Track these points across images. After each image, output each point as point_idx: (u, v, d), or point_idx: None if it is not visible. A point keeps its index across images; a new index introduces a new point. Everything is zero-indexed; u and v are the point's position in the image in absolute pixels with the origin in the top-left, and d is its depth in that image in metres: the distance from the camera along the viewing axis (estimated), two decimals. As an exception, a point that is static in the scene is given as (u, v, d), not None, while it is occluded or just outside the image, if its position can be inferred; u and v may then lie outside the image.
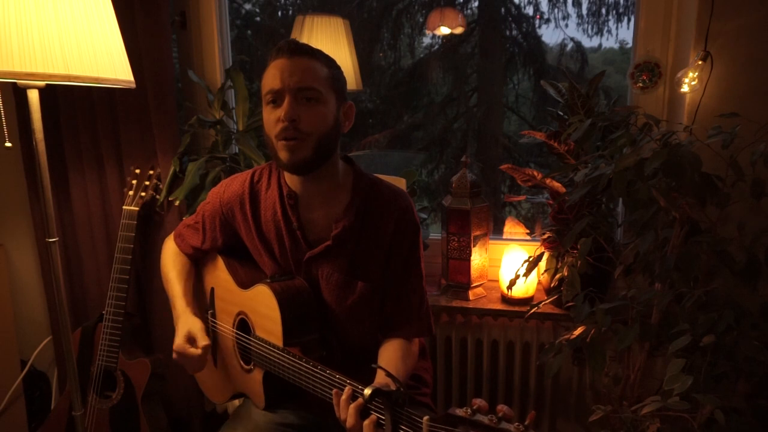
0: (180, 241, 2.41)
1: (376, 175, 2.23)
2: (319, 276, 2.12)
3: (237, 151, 3.15)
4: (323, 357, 2.07)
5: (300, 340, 2.05)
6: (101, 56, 2.11)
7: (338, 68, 2.06)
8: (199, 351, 2.10)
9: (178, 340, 2.13)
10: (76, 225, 3.32)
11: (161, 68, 2.99)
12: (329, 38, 3.07)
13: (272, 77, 1.94)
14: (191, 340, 2.13)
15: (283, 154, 1.95)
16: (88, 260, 3.37)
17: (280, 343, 2.02)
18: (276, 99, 1.94)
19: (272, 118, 1.94)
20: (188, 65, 3.35)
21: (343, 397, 1.75)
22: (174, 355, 2.14)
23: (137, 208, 3.04)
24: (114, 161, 3.19)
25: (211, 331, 2.35)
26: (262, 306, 2.08)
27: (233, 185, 2.24)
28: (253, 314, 2.15)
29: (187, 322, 2.18)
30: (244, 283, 2.19)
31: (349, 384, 1.76)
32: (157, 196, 3.11)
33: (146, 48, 2.96)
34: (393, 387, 1.68)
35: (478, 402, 1.47)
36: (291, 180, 2.11)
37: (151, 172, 3.11)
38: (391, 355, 2.07)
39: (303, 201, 2.12)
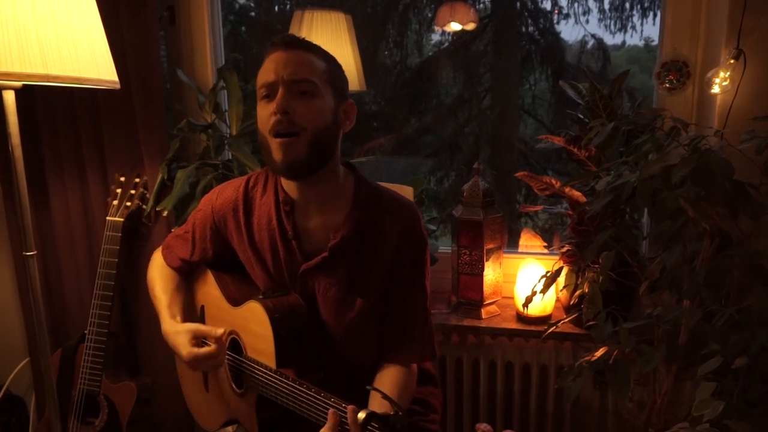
0: (168, 254, 2.41)
1: (380, 183, 2.23)
2: (316, 291, 2.13)
3: (230, 157, 3.15)
4: (320, 380, 2.06)
5: (294, 361, 2.04)
6: (83, 54, 2.11)
7: (338, 65, 2.08)
8: (213, 347, 2.09)
9: (185, 349, 2.11)
10: (56, 237, 3.32)
11: (148, 67, 2.99)
12: (330, 35, 3.07)
13: (266, 71, 1.97)
14: (198, 339, 2.13)
15: (276, 154, 1.96)
16: (69, 275, 3.36)
17: (272, 364, 2.01)
18: (270, 93, 1.96)
19: (265, 113, 1.97)
20: (177, 64, 3.34)
21: (333, 421, 1.75)
22: (189, 365, 2.12)
23: (122, 219, 3.03)
24: (97, 168, 3.19)
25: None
26: (254, 324, 2.08)
27: (226, 191, 2.25)
28: (245, 333, 2.15)
29: (180, 329, 2.17)
30: (236, 300, 2.19)
31: (346, 408, 1.76)
32: (144, 206, 3.10)
33: (132, 45, 2.96)
34: (391, 411, 1.68)
35: (482, 427, 1.48)
36: (288, 186, 2.12)
37: (137, 180, 3.10)
38: (387, 381, 2.07)
39: (300, 208, 2.12)
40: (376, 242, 2.10)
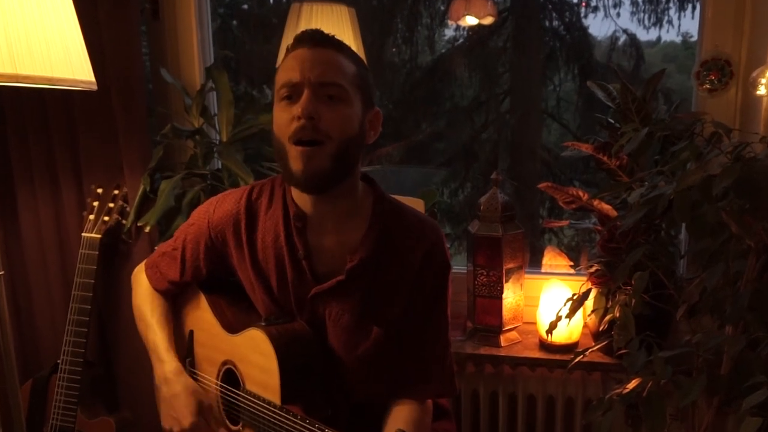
0: (153, 274, 2.37)
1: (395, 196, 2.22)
2: (326, 317, 2.10)
3: (220, 166, 3.16)
4: (328, 417, 2.04)
5: (301, 397, 2.02)
6: (56, 52, 2.11)
7: (366, 68, 2.06)
8: None
9: (189, 418, 2.10)
10: (26, 256, 3.32)
11: (128, 66, 2.99)
12: (331, 30, 2.97)
13: (289, 69, 1.93)
14: (206, 411, 2.13)
15: (295, 164, 1.91)
16: (40, 298, 3.35)
17: (277, 398, 2.00)
18: (292, 94, 1.92)
19: (286, 117, 1.91)
20: (161, 63, 3.34)
21: None
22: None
23: (99, 236, 3.02)
24: (71, 179, 3.19)
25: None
26: (255, 354, 2.06)
27: (226, 203, 2.20)
28: (243, 364, 2.13)
29: (189, 387, 2.16)
30: (233, 326, 2.17)
31: None
32: (124, 221, 3.09)
33: (110, 42, 2.96)
34: None
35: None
36: (300, 199, 2.08)
37: (116, 191, 3.09)
38: (401, 419, 2.06)
39: (313, 224, 2.09)
40: (396, 265, 2.08)
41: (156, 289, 2.37)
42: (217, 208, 2.21)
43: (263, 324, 2.06)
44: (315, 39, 1.95)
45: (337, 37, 2.02)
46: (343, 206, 2.06)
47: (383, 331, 2.09)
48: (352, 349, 2.09)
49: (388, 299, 2.09)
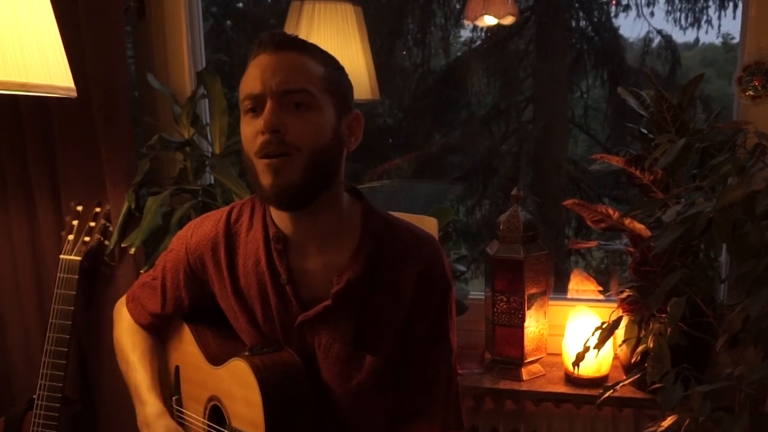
0: (134, 308, 2.38)
1: (394, 213, 2.22)
2: (316, 347, 2.10)
3: (212, 181, 3.16)
4: None
5: None
6: (30, 56, 2.12)
7: (339, 68, 2.06)
8: None
9: None
10: (-2, 280, 3.32)
11: (111, 71, 2.99)
12: (336, 31, 3.08)
13: (251, 78, 1.93)
14: None
15: (265, 179, 1.91)
16: (14, 327, 3.36)
17: None
18: (256, 106, 1.92)
19: (251, 131, 1.92)
20: (147, 67, 3.34)
21: None
22: None
23: (79, 258, 3.03)
24: (48, 195, 3.19)
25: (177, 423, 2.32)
26: (239, 387, 2.06)
27: (203, 226, 2.21)
28: (228, 399, 2.13)
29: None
30: (217, 358, 2.17)
31: None
32: (106, 242, 3.09)
33: (92, 44, 2.97)
34: None
35: None
36: (279, 218, 2.08)
37: (98, 209, 3.10)
38: None
39: (295, 246, 2.09)
40: (390, 286, 2.07)
41: (138, 323, 2.38)
42: (195, 232, 2.22)
43: (247, 354, 2.05)
44: (276, 42, 1.94)
45: (301, 37, 2.01)
46: (325, 223, 2.06)
47: (379, 360, 2.08)
48: (345, 381, 2.09)
49: (383, 325, 2.08)
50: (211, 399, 2.19)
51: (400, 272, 2.07)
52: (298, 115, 1.90)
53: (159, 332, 2.41)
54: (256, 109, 1.91)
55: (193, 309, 2.31)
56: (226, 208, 2.22)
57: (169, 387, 2.37)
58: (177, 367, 2.35)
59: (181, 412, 2.30)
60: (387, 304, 2.07)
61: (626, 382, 2.77)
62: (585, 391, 2.90)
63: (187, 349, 2.29)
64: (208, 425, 2.20)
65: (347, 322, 2.06)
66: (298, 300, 2.08)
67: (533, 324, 2.99)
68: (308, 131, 1.90)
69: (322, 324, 2.07)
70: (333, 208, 2.06)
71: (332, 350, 2.08)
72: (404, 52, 6.02)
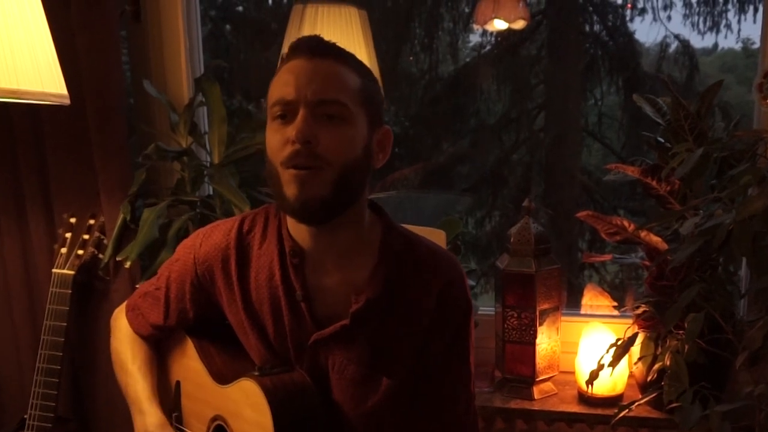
0: (134, 317, 2.35)
1: (408, 227, 2.20)
2: (329, 367, 2.07)
3: (211, 192, 3.16)
4: None
5: None
6: (22, 61, 2.12)
7: (374, 80, 2.03)
8: None
9: None
10: (-12, 295, 3.32)
11: (106, 77, 2.99)
12: (339, 35, 3.06)
13: (283, 84, 1.88)
14: None
15: (290, 190, 1.87)
16: (4, 344, 3.36)
17: None
18: (286, 113, 1.87)
19: (279, 139, 1.87)
20: (144, 73, 3.34)
21: None
22: None
23: (72, 272, 3.02)
24: (40, 207, 3.18)
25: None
26: (247, 409, 2.04)
27: (214, 236, 2.17)
28: (235, 420, 2.11)
29: None
30: (223, 376, 2.15)
31: None
32: (100, 256, 3.08)
33: (85, 50, 2.96)
34: None
35: None
36: (297, 231, 2.04)
37: (92, 221, 3.09)
38: None
39: (312, 261, 2.06)
40: (409, 307, 2.05)
41: (138, 334, 2.36)
42: (204, 242, 2.18)
43: (257, 374, 2.02)
44: (313, 48, 1.91)
45: (339, 44, 1.97)
46: (346, 239, 2.03)
47: (395, 383, 2.05)
48: (359, 404, 2.07)
49: (400, 347, 2.06)
50: (215, 418, 2.17)
51: (420, 293, 2.05)
52: (331, 127, 1.86)
53: (159, 344, 2.40)
54: (285, 116, 1.87)
55: (198, 323, 2.28)
56: (237, 218, 2.19)
57: (168, 402, 2.35)
58: (178, 383, 2.33)
59: (182, 430, 2.29)
60: (405, 325, 2.05)
61: (642, 401, 2.77)
62: (599, 411, 2.90)
63: (189, 364, 2.28)
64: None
65: (364, 343, 2.03)
66: (312, 317, 2.05)
67: (545, 341, 2.98)
68: (341, 146, 1.87)
69: (338, 344, 2.04)
70: (354, 224, 2.03)
71: (347, 372, 2.05)
72: (411, 58, 6.02)
